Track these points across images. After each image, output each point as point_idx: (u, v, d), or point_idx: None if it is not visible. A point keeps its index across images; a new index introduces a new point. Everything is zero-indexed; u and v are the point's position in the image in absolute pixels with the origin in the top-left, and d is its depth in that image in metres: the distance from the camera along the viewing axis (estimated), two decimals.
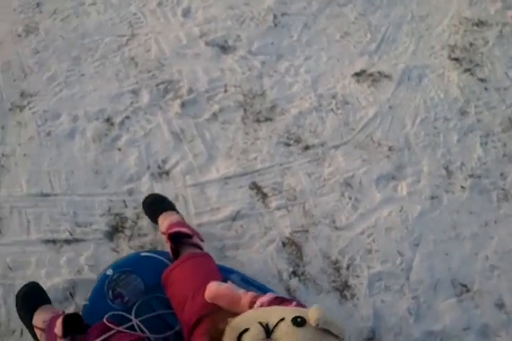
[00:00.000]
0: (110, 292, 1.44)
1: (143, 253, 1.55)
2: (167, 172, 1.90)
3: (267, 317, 0.85)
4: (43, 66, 2.18)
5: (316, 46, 2.42)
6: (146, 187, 1.83)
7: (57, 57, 2.22)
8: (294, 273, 1.70)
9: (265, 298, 1.06)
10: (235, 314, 0.95)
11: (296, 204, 1.87)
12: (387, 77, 2.34)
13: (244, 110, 2.13)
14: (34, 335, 1.41)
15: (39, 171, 1.83)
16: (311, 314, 0.83)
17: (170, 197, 1.81)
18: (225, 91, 2.19)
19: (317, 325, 0.81)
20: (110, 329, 1.28)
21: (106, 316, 1.32)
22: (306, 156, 2.02)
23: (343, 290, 1.70)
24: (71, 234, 1.69)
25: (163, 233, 1.59)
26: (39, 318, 1.39)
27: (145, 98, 2.10)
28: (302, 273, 1.71)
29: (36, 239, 1.67)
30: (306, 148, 2.04)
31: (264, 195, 1.89)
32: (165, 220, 1.63)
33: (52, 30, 2.33)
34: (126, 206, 1.78)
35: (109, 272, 1.47)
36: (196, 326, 1.18)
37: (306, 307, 1.02)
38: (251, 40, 2.39)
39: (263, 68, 2.29)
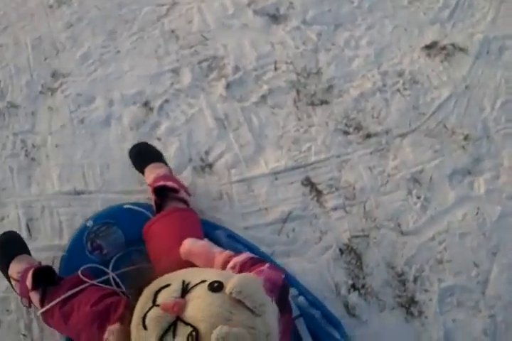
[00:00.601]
0: (89, 244, 1.39)
1: (126, 206, 1.47)
2: (210, 166, 1.70)
3: (193, 277, 0.81)
4: (76, 41, 1.99)
5: (379, 13, 2.11)
6: (188, 182, 1.64)
7: (91, 31, 2.02)
8: (354, 287, 1.50)
9: (240, 257, 1.02)
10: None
11: (355, 204, 1.65)
12: (463, 50, 2.02)
13: (297, 91, 1.88)
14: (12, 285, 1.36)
15: (71, 165, 1.67)
16: (230, 282, 0.77)
17: (213, 194, 1.64)
18: (276, 69, 1.94)
19: (230, 293, 0.75)
20: (84, 282, 1.25)
21: (81, 268, 1.28)
22: (368, 146, 1.77)
23: (410, 306, 1.49)
24: None
25: (149, 185, 1.49)
26: (14, 269, 1.34)
27: (186, 78, 1.89)
28: (363, 286, 1.50)
29: None
30: (368, 136, 1.79)
31: (319, 193, 1.67)
32: (151, 173, 1.53)
33: None
34: None
35: (89, 223, 1.42)
36: None
37: (281, 271, 0.97)
38: (306, 8, 2.10)
39: (319, 41, 2.02)
